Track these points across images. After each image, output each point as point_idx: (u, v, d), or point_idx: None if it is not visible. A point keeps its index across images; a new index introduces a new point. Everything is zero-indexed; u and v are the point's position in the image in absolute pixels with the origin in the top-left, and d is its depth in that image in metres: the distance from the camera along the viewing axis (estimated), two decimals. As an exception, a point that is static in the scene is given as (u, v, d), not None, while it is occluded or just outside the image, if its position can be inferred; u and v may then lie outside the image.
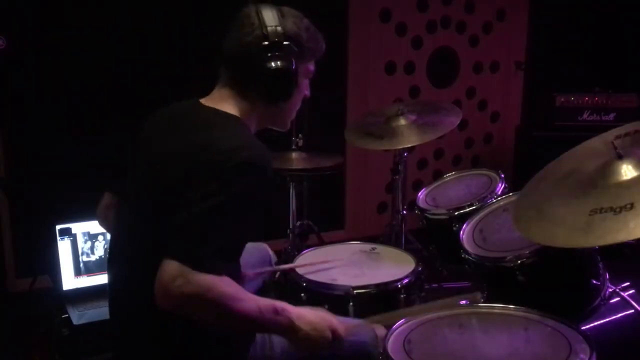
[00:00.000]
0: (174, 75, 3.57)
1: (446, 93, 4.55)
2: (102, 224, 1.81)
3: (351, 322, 1.78)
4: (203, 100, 1.60)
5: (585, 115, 3.99)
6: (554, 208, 1.62)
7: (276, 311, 1.42)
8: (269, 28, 1.51)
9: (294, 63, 1.54)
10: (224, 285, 1.34)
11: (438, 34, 4.45)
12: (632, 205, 1.44)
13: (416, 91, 4.46)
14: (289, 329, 1.44)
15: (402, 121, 2.79)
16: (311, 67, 1.65)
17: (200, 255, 1.33)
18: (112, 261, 1.63)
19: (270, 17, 1.52)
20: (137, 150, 1.61)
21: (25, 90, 3.34)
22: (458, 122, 2.78)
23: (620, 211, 1.44)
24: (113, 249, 1.65)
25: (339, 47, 4.10)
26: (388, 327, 1.65)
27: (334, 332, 1.49)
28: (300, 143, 3.10)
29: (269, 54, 1.51)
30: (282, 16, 1.55)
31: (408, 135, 2.74)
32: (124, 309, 1.57)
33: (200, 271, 1.31)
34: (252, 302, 1.39)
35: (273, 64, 1.51)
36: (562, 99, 3.99)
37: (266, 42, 1.51)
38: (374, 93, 4.26)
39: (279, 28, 1.52)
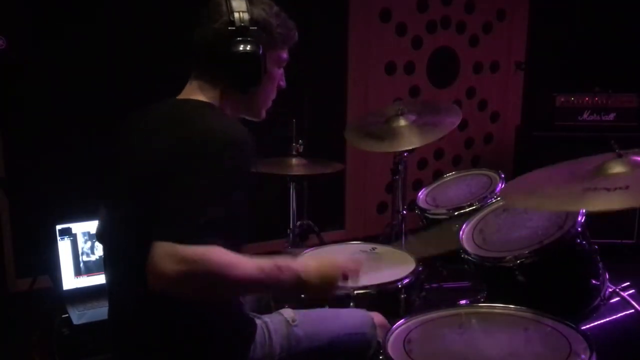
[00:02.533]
0: (174, 75, 3.57)
1: (446, 93, 4.55)
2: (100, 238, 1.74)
3: (350, 311, 1.79)
4: (178, 96, 1.60)
5: (585, 115, 3.98)
6: (547, 188, 1.61)
7: (280, 269, 1.38)
8: (235, 14, 1.50)
9: (260, 48, 1.52)
10: (218, 253, 1.28)
11: (438, 34, 4.45)
12: (627, 187, 1.44)
13: (416, 91, 4.46)
14: (297, 284, 1.40)
15: (402, 121, 2.79)
16: (284, 55, 1.63)
17: (188, 229, 1.28)
18: (107, 266, 1.61)
19: (237, 4, 1.51)
20: (117, 154, 1.60)
21: (25, 90, 3.33)
22: (458, 122, 2.78)
23: (614, 190, 1.45)
24: (106, 254, 1.62)
25: (339, 47, 4.10)
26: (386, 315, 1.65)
27: (345, 274, 1.47)
28: (301, 149, 3.10)
29: (235, 40, 1.50)
30: (250, 3, 1.53)
31: (408, 136, 2.73)
32: (123, 311, 1.56)
33: (189, 244, 1.26)
34: (252, 264, 1.34)
35: (238, 48, 1.49)
36: (562, 99, 3.99)
37: (232, 28, 1.50)
38: (374, 93, 4.26)
39: (245, 14, 1.51)
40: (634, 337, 1.92)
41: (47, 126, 3.40)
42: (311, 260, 1.47)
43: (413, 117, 2.81)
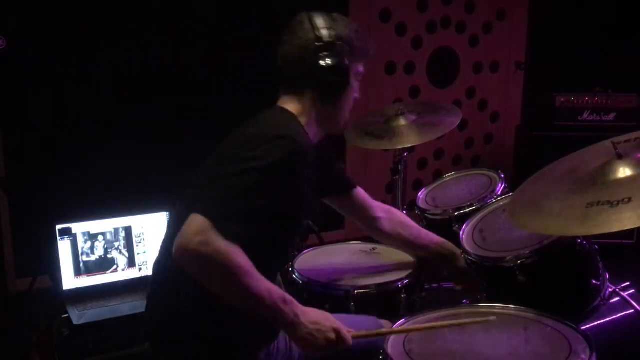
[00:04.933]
0: (173, 74, 3.58)
1: (446, 93, 4.55)
2: None
3: (359, 318, 1.79)
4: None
5: (585, 115, 3.98)
6: (551, 202, 1.61)
7: (284, 301, 1.44)
8: (321, 30, 1.61)
9: (346, 61, 1.62)
10: (241, 257, 1.37)
11: (438, 34, 4.45)
12: (629, 199, 1.44)
13: (416, 91, 4.46)
14: (293, 322, 1.45)
15: (402, 121, 2.79)
16: (361, 68, 1.74)
17: (226, 216, 1.37)
18: (161, 251, 1.66)
19: (322, 21, 1.63)
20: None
21: (25, 90, 3.34)
22: (458, 122, 2.78)
23: (617, 204, 1.44)
24: (163, 242, 1.68)
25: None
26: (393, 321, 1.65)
27: (338, 334, 1.49)
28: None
29: (322, 54, 1.59)
30: (332, 20, 1.64)
31: (408, 135, 2.73)
32: (163, 287, 1.62)
33: (222, 233, 1.35)
34: (263, 282, 1.42)
35: (327, 62, 1.59)
36: (562, 99, 3.99)
37: (319, 43, 1.60)
38: (374, 93, 4.26)
39: (331, 30, 1.62)
40: (634, 337, 1.91)
41: (47, 126, 3.40)
42: (313, 309, 1.52)
43: (413, 117, 2.81)
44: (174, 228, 1.53)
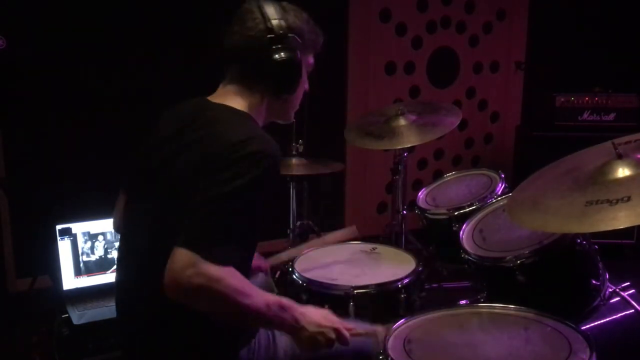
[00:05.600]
0: (174, 74, 3.57)
1: (446, 93, 4.55)
2: (117, 229, 1.79)
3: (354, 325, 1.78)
4: (210, 98, 1.62)
5: (585, 115, 3.98)
6: (550, 200, 1.61)
7: (282, 308, 1.43)
8: (273, 21, 1.54)
9: (298, 54, 1.57)
10: (233, 278, 1.35)
11: (438, 34, 4.45)
12: (629, 198, 1.43)
13: (416, 91, 4.46)
14: (293, 326, 1.44)
15: (402, 121, 2.79)
16: (311, 60, 1.68)
17: (212, 243, 1.34)
18: (122, 259, 1.64)
19: (272, 11, 1.55)
20: (147, 149, 1.63)
21: (25, 90, 3.34)
22: (458, 122, 2.78)
23: (616, 203, 1.44)
24: (123, 247, 1.66)
25: (339, 47, 4.10)
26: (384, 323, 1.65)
27: (338, 333, 1.49)
28: (301, 149, 3.10)
29: (275, 47, 1.53)
30: (283, 10, 1.58)
31: (408, 135, 2.74)
32: (134, 305, 1.58)
33: (211, 261, 1.32)
34: (259, 296, 1.40)
35: (280, 56, 1.53)
36: (562, 99, 3.99)
37: (271, 35, 1.53)
38: (374, 93, 4.26)
39: (282, 21, 1.54)
40: (634, 337, 1.91)
41: (47, 126, 3.40)
42: (312, 310, 1.50)
43: (413, 117, 2.82)
44: (141, 258, 1.52)
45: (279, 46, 1.53)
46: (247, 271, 1.48)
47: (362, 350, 1.69)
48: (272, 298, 1.44)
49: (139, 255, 1.55)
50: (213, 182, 1.38)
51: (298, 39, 1.57)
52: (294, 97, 1.67)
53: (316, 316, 1.49)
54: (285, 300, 1.45)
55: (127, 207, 1.66)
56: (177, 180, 1.47)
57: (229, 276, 1.34)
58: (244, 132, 1.46)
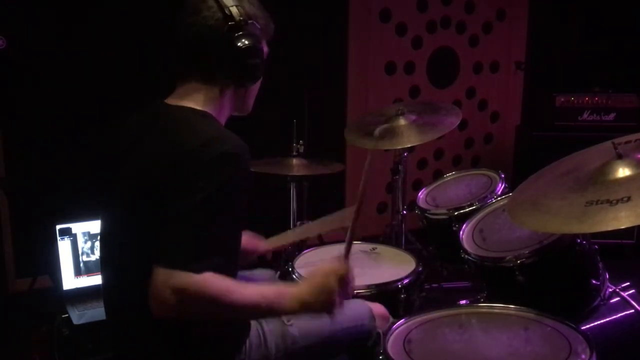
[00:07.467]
0: (175, 74, 3.57)
1: (446, 93, 4.55)
2: None
3: (346, 302, 1.78)
4: (168, 100, 1.55)
5: (585, 115, 3.98)
6: (550, 201, 1.61)
7: (280, 294, 1.39)
8: (231, 8, 1.46)
9: (261, 40, 1.52)
10: (217, 280, 1.30)
11: (438, 34, 4.45)
12: (629, 198, 1.44)
13: (416, 91, 4.46)
14: (300, 308, 1.40)
15: (402, 121, 2.79)
16: (266, 47, 1.59)
17: (189, 255, 1.29)
18: (103, 267, 1.61)
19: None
20: (113, 160, 1.58)
21: (25, 90, 3.34)
22: (458, 122, 2.78)
23: (616, 203, 1.44)
24: (102, 256, 1.63)
25: (339, 47, 4.10)
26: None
27: (341, 281, 1.43)
28: (301, 149, 3.10)
29: (237, 34, 1.46)
30: None
31: (408, 135, 2.74)
32: (118, 312, 1.56)
33: (190, 271, 1.28)
34: (251, 289, 1.37)
35: (243, 43, 1.46)
36: (562, 99, 3.99)
37: (232, 22, 1.45)
38: (374, 93, 4.26)
39: (239, 8, 1.47)
40: (634, 337, 1.91)
41: (47, 126, 3.40)
42: (305, 284, 1.44)
43: (413, 117, 2.82)
44: (115, 269, 1.50)
45: (241, 33, 1.46)
46: (234, 270, 1.44)
47: (360, 330, 1.70)
48: (266, 287, 1.41)
49: (117, 268, 1.52)
50: (183, 192, 1.33)
51: (257, 25, 1.51)
52: (255, 87, 1.61)
53: (316, 285, 1.42)
54: (281, 285, 1.44)
55: (105, 219, 1.61)
56: (146, 192, 1.40)
57: (209, 280, 1.29)
58: (204, 135, 1.39)
